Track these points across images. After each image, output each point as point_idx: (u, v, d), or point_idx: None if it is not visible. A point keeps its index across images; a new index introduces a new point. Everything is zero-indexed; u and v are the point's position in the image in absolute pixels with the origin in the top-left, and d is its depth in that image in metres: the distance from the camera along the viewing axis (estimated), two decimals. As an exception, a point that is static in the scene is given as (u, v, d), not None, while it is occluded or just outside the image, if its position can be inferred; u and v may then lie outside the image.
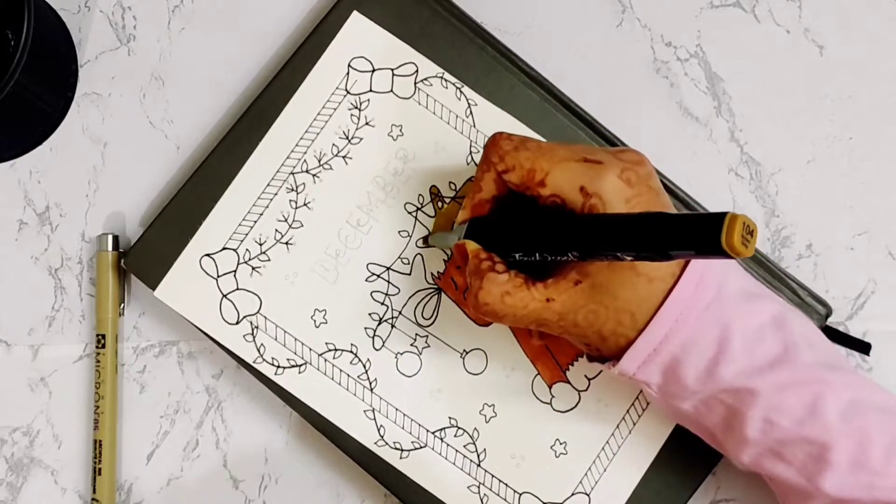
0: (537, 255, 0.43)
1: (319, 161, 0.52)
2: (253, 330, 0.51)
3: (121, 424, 0.55)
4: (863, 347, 0.53)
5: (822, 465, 0.43)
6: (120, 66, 0.56)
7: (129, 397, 0.55)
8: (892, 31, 0.56)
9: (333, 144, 0.53)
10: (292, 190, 0.52)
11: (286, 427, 0.55)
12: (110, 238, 0.54)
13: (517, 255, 0.44)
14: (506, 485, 0.51)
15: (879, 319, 0.54)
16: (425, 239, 0.52)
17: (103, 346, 0.54)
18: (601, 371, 0.51)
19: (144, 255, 0.53)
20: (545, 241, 0.43)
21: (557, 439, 0.51)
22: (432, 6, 0.53)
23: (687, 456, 0.51)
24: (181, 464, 0.55)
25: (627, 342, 0.43)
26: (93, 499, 0.53)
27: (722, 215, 0.34)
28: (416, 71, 0.53)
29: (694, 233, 0.36)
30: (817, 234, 0.55)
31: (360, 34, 0.53)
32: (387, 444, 0.51)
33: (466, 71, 0.53)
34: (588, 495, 0.51)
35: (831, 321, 0.53)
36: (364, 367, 0.52)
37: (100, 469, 0.53)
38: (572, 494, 0.51)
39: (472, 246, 0.46)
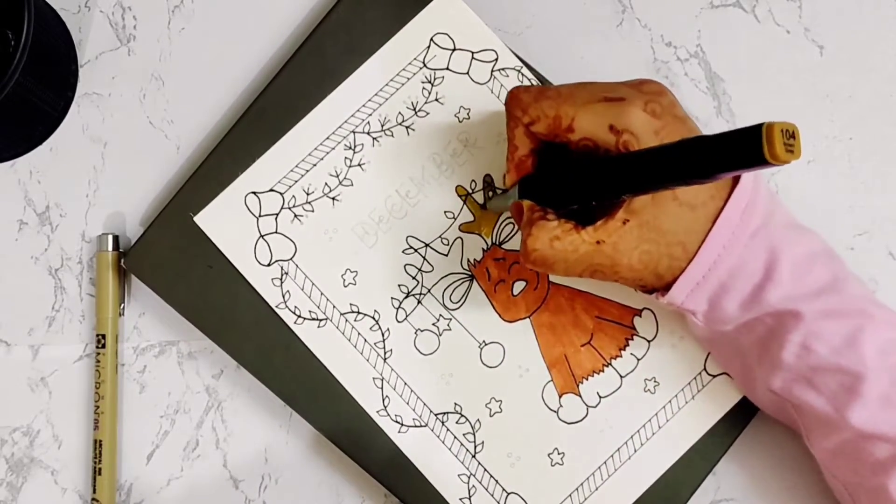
0: (592, 202, 0.43)
1: (382, 126, 0.53)
2: (282, 275, 0.52)
3: (121, 424, 0.55)
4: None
5: (852, 397, 0.43)
6: (120, 66, 0.56)
7: (129, 397, 0.55)
8: (892, 31, 0.56)
9: (399, 113, 0.53)
10: (350, 148, 0.52)
11: (286, 427, 0.55)
12: (110, 238, 0.54)
13: (572, 206, 0.44)
14: (496, 481, 0.51)
15: (879, 319, 0.54)
16: (484, 205, 0.52)
17: (103, 346, 0.54)
18: (615, 391, 0.52)
19: (144, 255, 0.53)
20: (594, 187, 0.43)
21: (556, 448, 0.51)
22: (433, 6, 0.54)
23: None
24: (181, 464, 0.55)
25: (681, 272, 0.44)
26: (93, 499, 0.53)
27: (758, 127, 0.34)
28: (496, 59, 0.53)
29: (736, 150, 0.35)
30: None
31: (450, 11, 0.53)
32: (388, 415, 0.51)
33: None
34: None
35: (831, 321, 0.53)
36: (382, 335, 0.52)
37: (100, 469, 0.53)
38: None
39: (526, 203, 0.46)
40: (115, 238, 0.55)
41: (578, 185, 0.44)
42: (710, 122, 0.56)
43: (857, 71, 0.56)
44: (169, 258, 0.53)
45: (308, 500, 0.55)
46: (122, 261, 0.54)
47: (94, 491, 0.53)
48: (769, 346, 0.45)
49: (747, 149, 0.34)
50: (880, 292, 0.54)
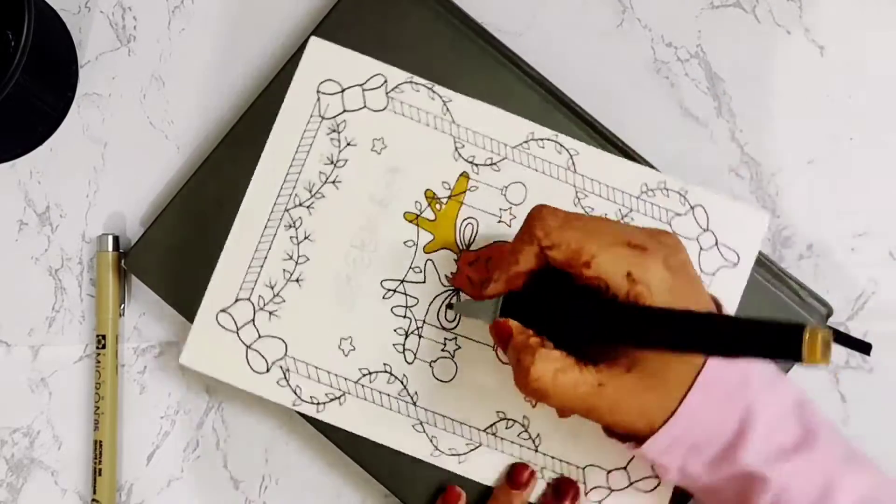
0: (587, 343, 0.42)
1: (310, 192, 0.52)
2: (285, 374, 0.51)
3: (121, 425, 0.55)
4: (863, 347, 0.53)
5: None
6: (120, 66, 0.56)
7: (129, 398, 0.55)
8: (892, 31, 0.56)
9: (320, 172, 0.52)
10: (290, 226, 0.52)
11: (286, 427, 0.55)
12: (110, 238, 0.54)
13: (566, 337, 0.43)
14: (567, 463, 0.51)
15: (880, 319, 0.54)
16: (450, 304, 0.52)
17: (104, 347, 0.54)
18: None
19: (145, 256, 0.53)
20: (600, 329, 0.42)
21: None
22: (433, 7, 0.53)
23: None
24: (181, 464, 0.55)
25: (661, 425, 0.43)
26: (93, 499, 0.53)
27: (800, 329, 0.35)
28: (385, 81, 0.53)
29: (773, 344, 0.36)
30: (818, 234, 0.55)
31: (322, 57, 0.53)
32: (442, 452, 0.51)
33: (467, 71, 0.53)
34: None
35: (832, 321, 0.53)
36: (402, 383, 0.51)
37: (100, 469, 0.53)
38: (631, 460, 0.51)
39: (514, 323, 0.44)
40: (116, 238, 0.55)
41: (577, 322, 0.42)
42: (710, 122, 0.56)
43: (857, 71, 0.56)
44: (169, 258, 0.53)
45: (308, 500, 0.55)
46: (123, 261, 0.54)
47: (95, 492, 0.53)
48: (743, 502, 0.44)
49: (785, 345, 0.36)
50: (881, 292, 0.55)
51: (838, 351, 0.54)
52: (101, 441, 0.54)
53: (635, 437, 0.44)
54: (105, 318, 0.54)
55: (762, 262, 0.52)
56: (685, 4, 0.56)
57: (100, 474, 0.53)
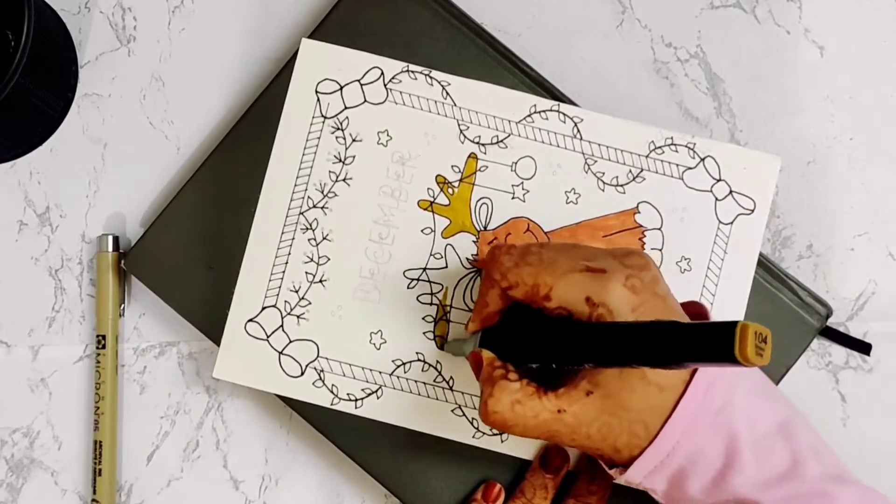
0: (552, 364, 0.43)
1: (323, 192, 0.52)
2: (320, 374, 0.51)
3: (121, 425, 0.55)
4: (863, 348, 0.53)
5: None
6: (120, 66, 0.56)
7: (129, 398, 0.55)
8: (892, 31, 0.56)
9: (330, 171, 0.52)
10: (307, 229, 0.52)
11: (286, 427, 0.55)
12: (110, 239, 0.54)
13: (533, 365, 0.44)
14: None
15: (879, 320, 0.54)
16: (442, 346, 0.52)
17: (103, 347, 0.54)
18: None
19: (145, 256, 0.53)
20: (558, 351, 0.42)
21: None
22: (433, 7, 0.53)
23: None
24: (181, 464, 0.55)
25: (641, 452, 0.43)
26: (93, 500, 0.53)
27: (733, 325, 0.34)
28: (382, 74, 0.53)
29: (707, 344, 0.35)
30: (817, 234, 0.55)
31: (317, 58, 0.53)
32: (484, 433, 0.51)
33: (466, 72, 0.53)
34: None
35: (831, 322, 0.53)
36: (436, 369, 0.52)
37: (100, 470, 0.53)
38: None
39: (486, 355, 0.45)
40: (116, 239, 0.55)
41: (543, 347, 0.43)
42: (711, 123, 0.56)
43: (857, 71, 0.56)
44: (169, 259, 0.53)
45: (308, 500, 0.55)
46: (123, 261, 0.54)
47: (95, 492, 0.53)
48: None
49: (718, 345, 0.35)
50: (880, 293, 0.55)
51: (838, 351, 0.54)
52: (101, 441, 0.54)
53: (620, 464, 0.44)
54: (105, 319, 0.54)
55: (762, 263, 0.52)
56: (685, 4, 0.56)
57: (100, 474, 0.53)
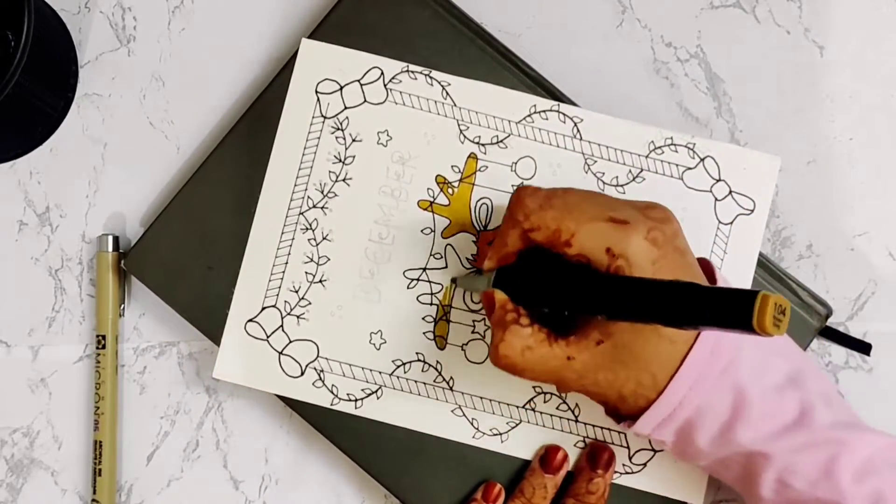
0: (565, 311, 0.43)
1: (323, 192, 0.52)
2: (320, 375, 0.51)
3: (121, 425, 0.55)
4: (863, 348, 0.53)
5: None
6: (120, 66, 0.56)
7: (129, 398, 0.55)
8: (892, 31, 0.56)
9: (330, 171, 0.53)
10: (307, 229, 0.52)
11: (286, 427, 0.55)
12: (110, 239, 0.54)
13: (545, 309, 0.44)
14: (609, 429, 0.51)
15: (879, 320, 0.54)
16: (454, 280, 0.52)
17: (103, 347, 0.54)
18: None
19: (145, 256, 0.53)
20: (573, 299, 0.42)
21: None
22: (433, 7, 0.53)
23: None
24: (181, 465, 0.55)
25: (647, 403, 0.43)
26: (93, 500, 0.53)
27: (754, 294, 0.34)
28: (382, 74, 0.53)
29: (725, 310, 0.35)
30: (817, 234, 0.55)
31: (316, 58, 0.53)
32: (484, 433, 0.51)
33: (466, 72, 0.53)
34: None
35: (831, 322, 0.53)
36: (436, 370, 0.52)
37: (100, 470, 0.53)
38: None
39: (500, 296, 0.45)
40: (115, 239, 0.55)
41: (558, 293, 0.43)
42: (710, 123, 0.56)
43: (857, 71, 0.56)
44: (169, 259, 0.53)
45: (308, 500, 0.55)
46: (122, 261, 0.54)
47: (95, 492, 0.53)
48: (747, 481, 0.44)
49: (737, 312, 0.35)
50: (880, 293, 0.55)
51: (838, 351, 0.54)
52: (101, 441, 0.54)
53: (629, 416, 0.45)
54: (105, 319, 0.54)
55: (762, 263, 0.52)
56: (685, 4, 0.56)
57: (100, 474, 0.53)
